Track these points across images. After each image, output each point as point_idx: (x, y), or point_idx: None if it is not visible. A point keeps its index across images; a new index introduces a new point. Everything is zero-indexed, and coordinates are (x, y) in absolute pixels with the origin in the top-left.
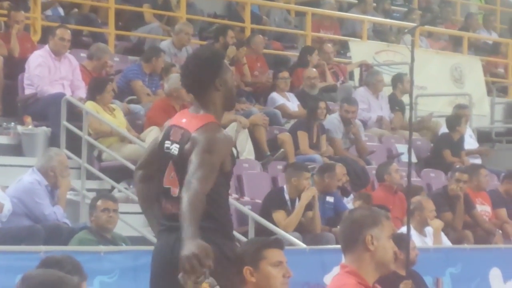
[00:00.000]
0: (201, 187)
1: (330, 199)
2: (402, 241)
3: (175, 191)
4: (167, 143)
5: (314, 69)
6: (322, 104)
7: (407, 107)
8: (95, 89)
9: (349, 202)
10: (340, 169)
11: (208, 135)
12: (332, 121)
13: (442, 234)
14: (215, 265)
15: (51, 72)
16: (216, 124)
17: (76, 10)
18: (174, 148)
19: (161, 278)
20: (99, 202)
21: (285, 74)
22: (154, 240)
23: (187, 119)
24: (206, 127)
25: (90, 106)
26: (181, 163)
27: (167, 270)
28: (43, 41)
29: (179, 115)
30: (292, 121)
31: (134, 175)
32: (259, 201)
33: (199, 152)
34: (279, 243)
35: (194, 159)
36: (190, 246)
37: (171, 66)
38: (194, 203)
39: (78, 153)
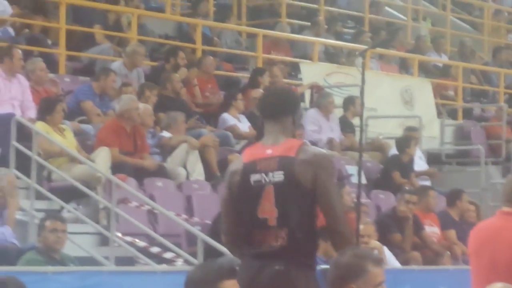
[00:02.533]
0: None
1: None
2: None
3: (272, 220)
4: (255, 177)
5: (261, 90)
6: None
7: (358, 129)
8: (45, 110)
9: None
10: None
11: (329, 160)
12: None
13: (391, 255)
14: None
15: (1, 92)
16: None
17: (27, 30)
18: (277, 176)
19: None
20: (47, 223)
21: (240, 96)
22: (103, 260)
23: (273, 149)
24: (310, 150)
25: (40, 127)
26: (289, 188)
27: None
28: None
29: (255, 149)
30: (243, 142)
31: (230, 247)
32: (209, 222)
33: (329, 182)
34: (235, 273)
35: (330, 189)
36: None
37: (124, 86)
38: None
39: (27, 173)
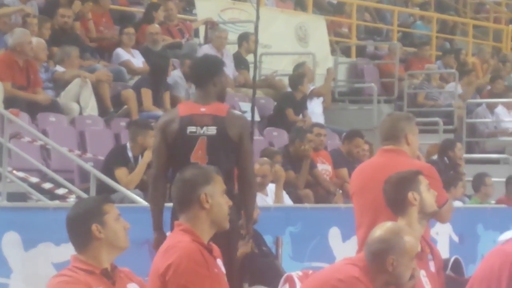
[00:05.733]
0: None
1: None
2: None
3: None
4: (192, 128)
5: (157, 25)
6: (167, 61)
7: (251, 66)
8: None
9: None
10: None
11: (249, 123)
12: (174, 78)
13: (284, 193)
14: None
15: None
16: (226, 106)
17: None
18: (210, 130)
19: None
20: None
21: (130, 29)
22: None
23: (206, 108)
24: (237, 113)
25: None
26: (219, 141)
27: None
28: None
29: (191, 106)
30: (137, 78)
31: (156, 182)
32: (102, 157)
33: (248, 141)
34: (111, 199)
35: (247, 147)
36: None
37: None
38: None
39: None
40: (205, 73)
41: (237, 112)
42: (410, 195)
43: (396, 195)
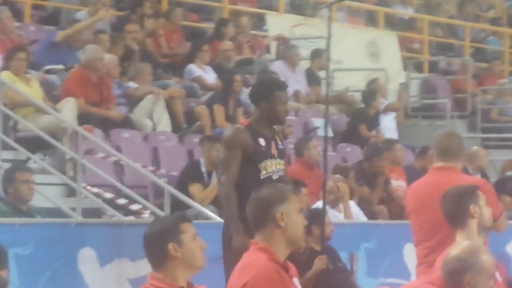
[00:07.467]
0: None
1: None
2: (317, 216)
3: None
4: None
5: (230, 42)
6: (237, 77)
7: (324, 82)
8: (7, 58)
9: None
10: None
11: (223, 136)
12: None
13: (358, 209)
14: None
15: None
16: (239, 124)
17: None
18: None
19: None
20: (17, 174)
21: (205, 47)
22: (69, 211)
23: None
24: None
25: (5, 76)
26: None
27: None
28: None
29: None
30: (209, 94)
31: None
32: (176, 173)
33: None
34: (187, 217)
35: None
36: None
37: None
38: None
39: None
40: (253, 98)
41: (231, 128)
42: (471, 207)
43: (457, 208)
